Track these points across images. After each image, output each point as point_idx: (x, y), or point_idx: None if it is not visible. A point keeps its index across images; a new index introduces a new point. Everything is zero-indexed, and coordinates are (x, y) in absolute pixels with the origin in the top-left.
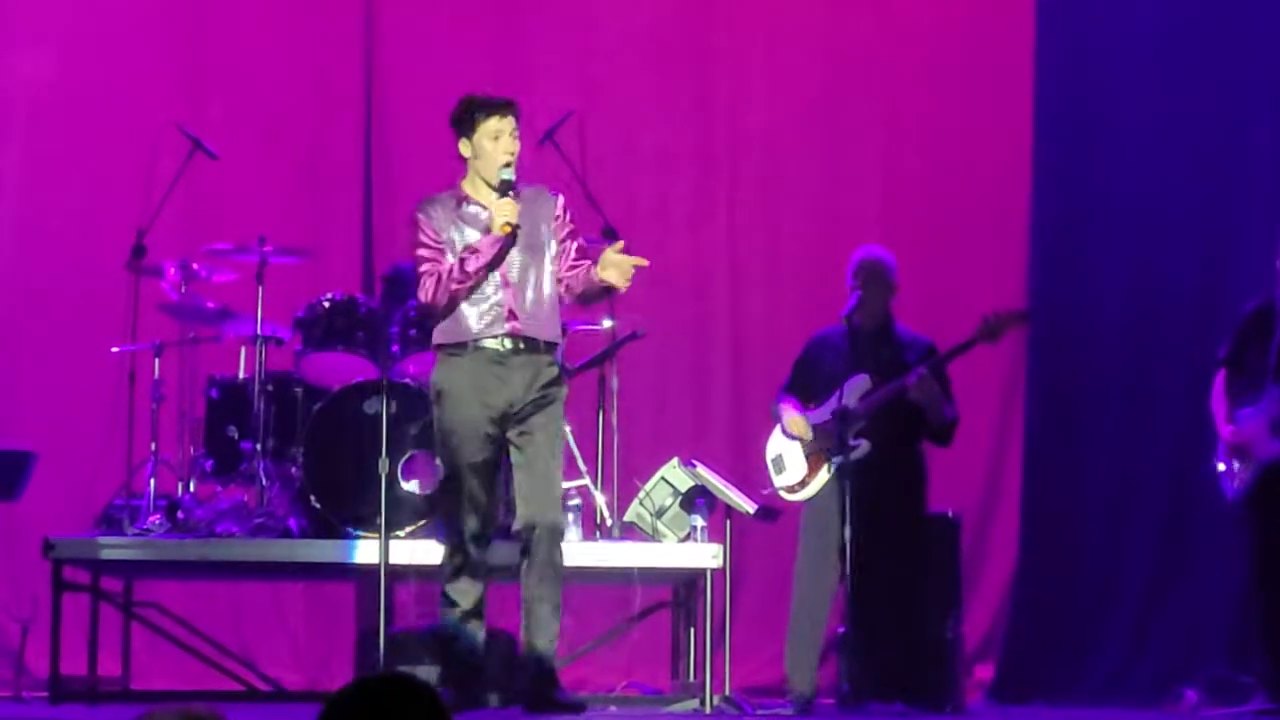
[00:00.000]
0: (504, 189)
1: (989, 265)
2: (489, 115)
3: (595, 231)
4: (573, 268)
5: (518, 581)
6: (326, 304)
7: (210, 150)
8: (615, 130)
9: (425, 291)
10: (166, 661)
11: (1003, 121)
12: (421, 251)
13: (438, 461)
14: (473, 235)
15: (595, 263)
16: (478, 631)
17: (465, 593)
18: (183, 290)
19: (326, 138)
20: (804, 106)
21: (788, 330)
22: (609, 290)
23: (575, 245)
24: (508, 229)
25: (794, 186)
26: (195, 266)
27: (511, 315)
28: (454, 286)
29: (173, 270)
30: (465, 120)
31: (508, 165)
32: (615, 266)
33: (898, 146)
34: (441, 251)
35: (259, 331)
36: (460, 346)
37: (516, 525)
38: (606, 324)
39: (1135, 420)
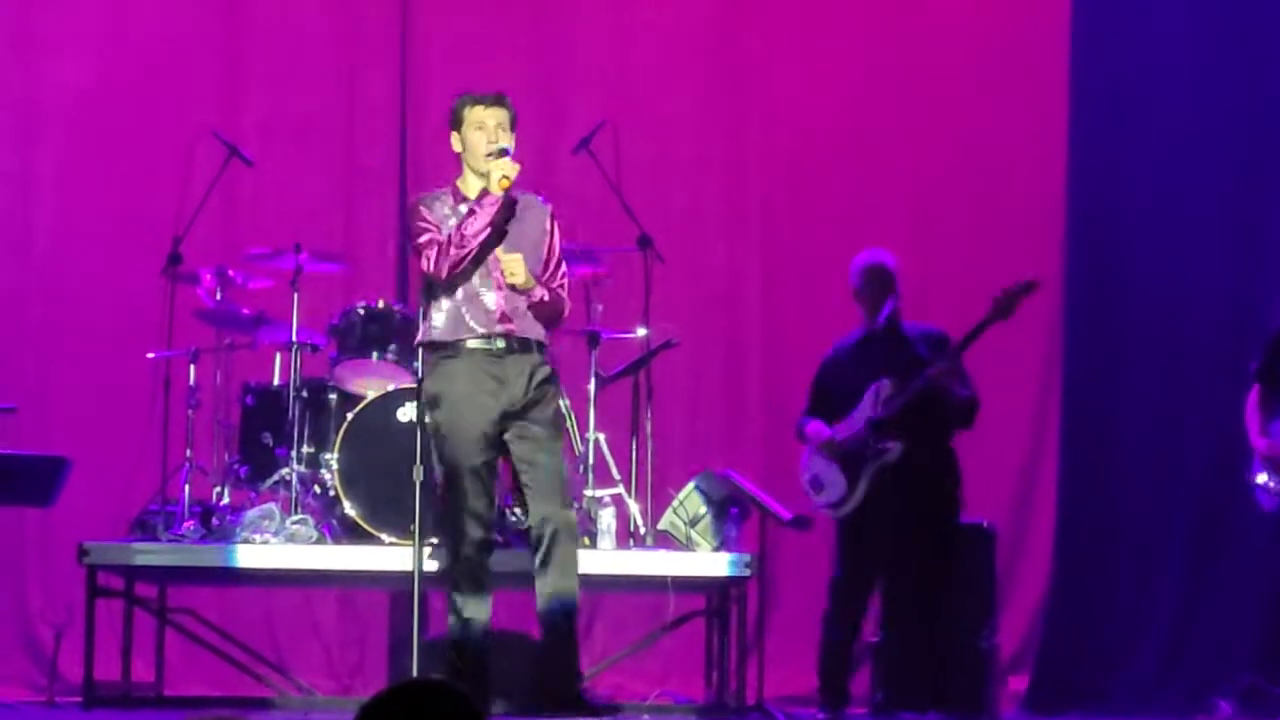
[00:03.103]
0: (498, 154)
1: (1022, 270)
2: (474, 106)
3: (631, 240)
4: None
5: (531, 587)
6: (361, 311)
7: (246, 157)
8: (649, 139)
9: (428, 261)
10: (200, 667)
11: (1036, 130)
12: (420, 227)
13: (435, 468)
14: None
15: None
16: (483, 640)
17: (470, 602)
18: (218, 297)
19: (362, 145)
20: (837, 115)
21: (820, 339)
22: (545, 308)
23: (557, 264)
24: (506, 183)
25: (827, 196)
26: (231, 273)
27: (504, 317)
28: (455, 252)
29: (208, 277)
30: (454, 114)
31: (498, 146)
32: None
33: (931, 155)
34: (438, 226)
35: (294, 338)
36: (454, 348)
37: (528, 523)
38: (640, 333)
39: (1169, 432)
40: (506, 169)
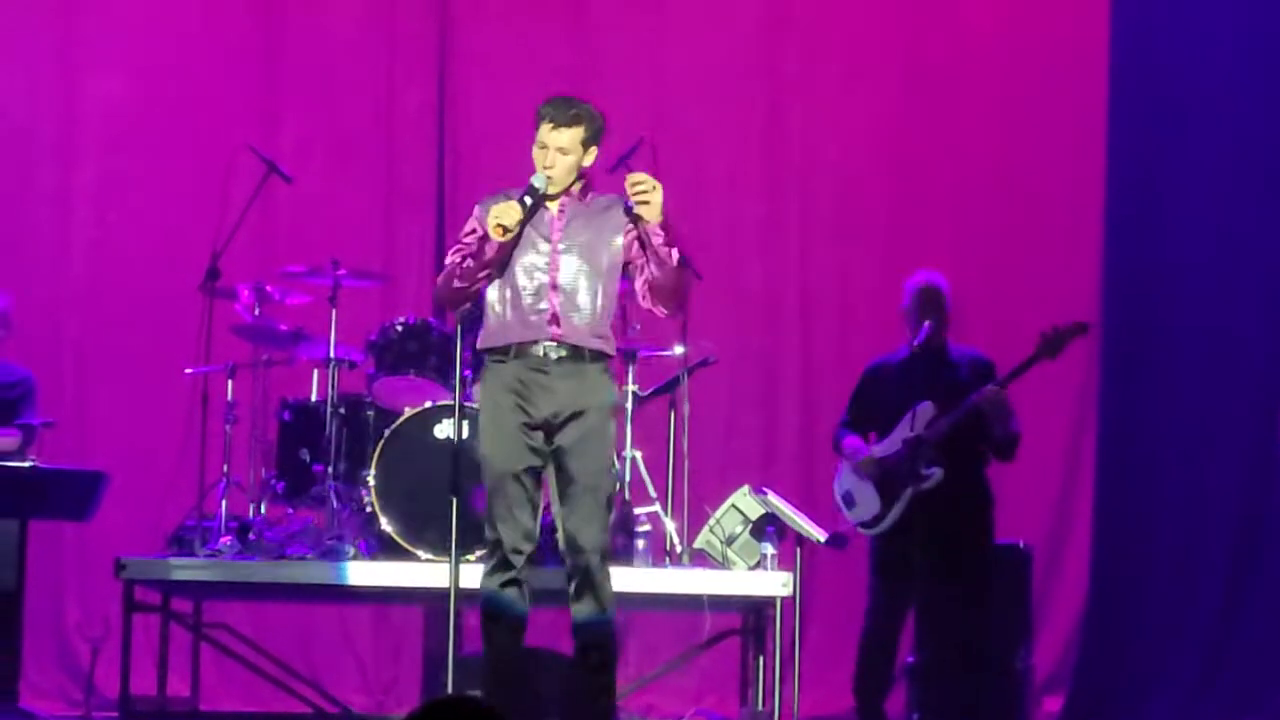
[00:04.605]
0: (525, 191)
1: (1060, 293)
2: (541, 122)
3: None
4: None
5: (565, 605)
6: (399, 328)
7: (285, 173)
8: (687, 157)
9: (437, 280)
10: (235, 683)
11: (1075, 149)
12: (460, 238)
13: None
14: (532, 232)
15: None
16: (518, 652)
17: (511, 605)
18: (256, 312)
19: (400, 162)
20: (875, 133)
21: (858, 358)
22: (677, 273)
23: (657, 245)
24: (500, 232)
25: (865, 214)
26: (269, 289)
27: (555, 321)
28: (456, 284)
29: (246, 293)
30: (536, 119)
31: (547, 171)
32: (632, 192)
33: (969, 173)
34: (470, 236)
35: (331, 354)
36: (503, 352)
37: (560, 544)
38: (677, 350)
39: (1205, 451)
40: (505, 218)
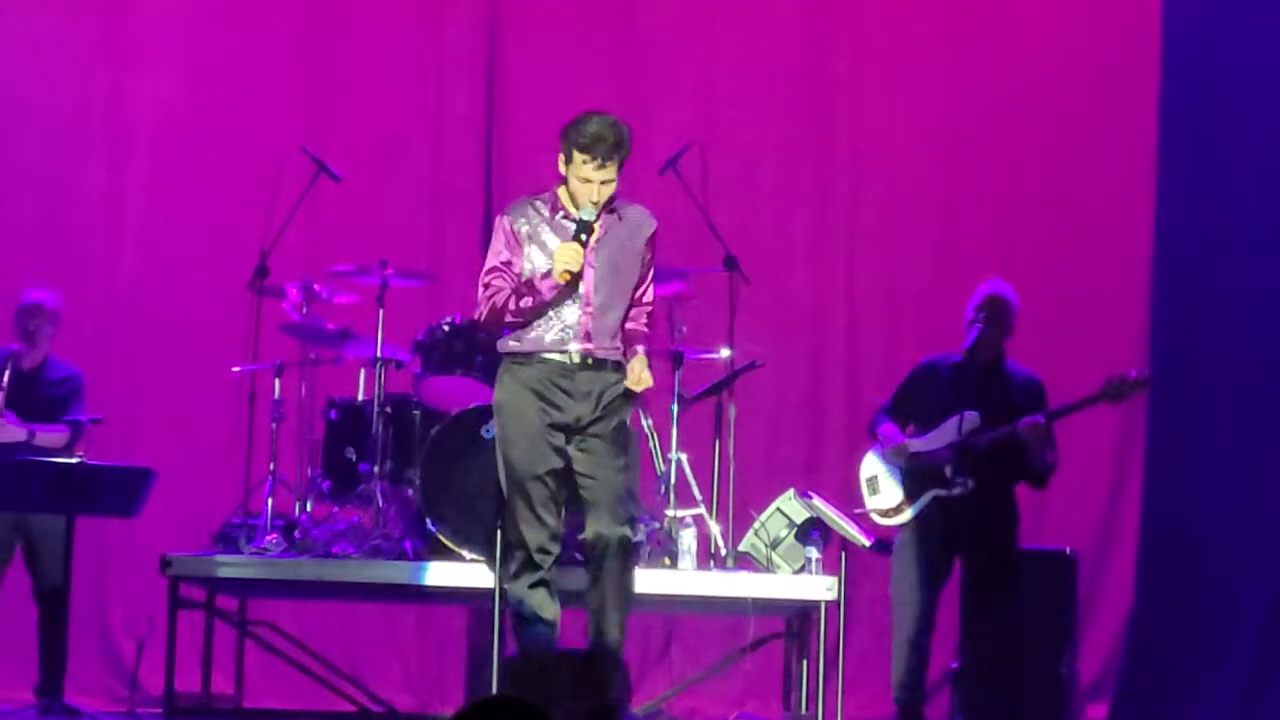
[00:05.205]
0: (579, 229)
1: (1110, 298)
2: (583, 155)
3: (717, 261)
4: (635, 306)
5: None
6: (446, 328)
7: (334, 172)
8: (735, 161)
9: (479, 312)
10: (279, 681)
11: (1125, 157)
12: (489, 264)
13: (500, 476)
14: (557, 244)
15: (638, 340)
16: (550, 645)
17: (540, 605)
18: (304, 311)
19: (448, 162)
20: (924, 139)
21: (904, 363)
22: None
23: (648, 283)
24: (566, 277)
25: (913, 219)
26: (317, 288)
27: (586, 336)
28: (506, 319)
29: (294, 291)
30: (565, 144)
31: (594, 205)
32: (632, 375)
33: (1018, 181)
34: (508, 266)
35: (379, 354)
36: (527, 357)
37: (583, 537)
38: (724, 353)
39: (1254, 456)
40: (570, 262)
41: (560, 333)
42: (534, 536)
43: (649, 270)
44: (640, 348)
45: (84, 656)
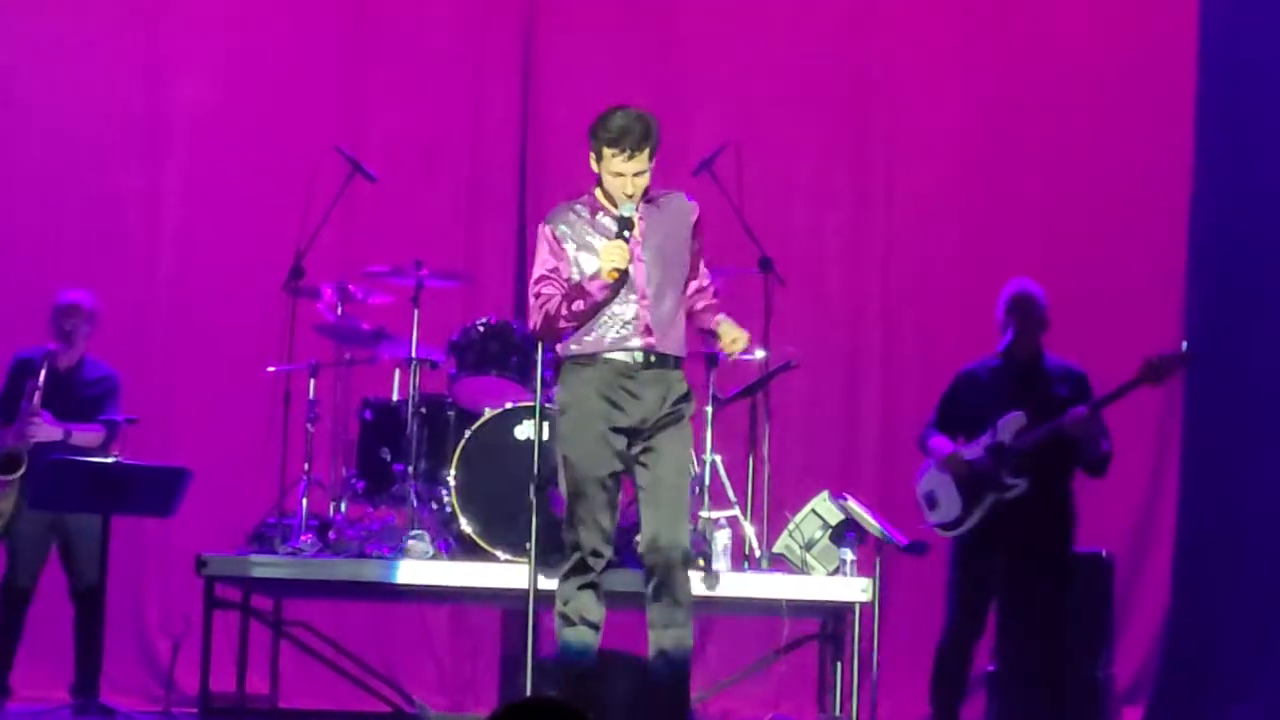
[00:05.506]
0: (620, 226)
1: (1146, 297)
2: (612, 150)
3: (752, 262)
4: (697, 292)
5: (640, 607)
6: (481, 328)
7: (369, 173)
8: (771, 162)
9: (533, 321)
10: (313, 681)
11: (1162, 154)
12: (537, 274)
13: (560, 477)
14: (602, 244)
15: (714, 312)
16: (592, 647)
17: (587, 607)
18: (339, 312)
19: (483, 163)
20: (960, 141)
21: (940, 365)
22: (713, 334)
23: (702, 266)
24: (615, 275)
25: (949, 221)
26: (352, 289)
27: (646, 331)
28: (561, 325)
29: (329, 292)
30: (594, 142)
31: (630, 200)
32: (727, 339)
33: (1055, 181)
34: (556, 273)
35: (414, 354)
36: (589, 359)
37: (641, 548)
38: (759, 354)
39: None
40: (617, 259)
41: (620, 330)
42: (589, 539)
43: (700, 254)
44: (720, 315)
45: (120, 656)
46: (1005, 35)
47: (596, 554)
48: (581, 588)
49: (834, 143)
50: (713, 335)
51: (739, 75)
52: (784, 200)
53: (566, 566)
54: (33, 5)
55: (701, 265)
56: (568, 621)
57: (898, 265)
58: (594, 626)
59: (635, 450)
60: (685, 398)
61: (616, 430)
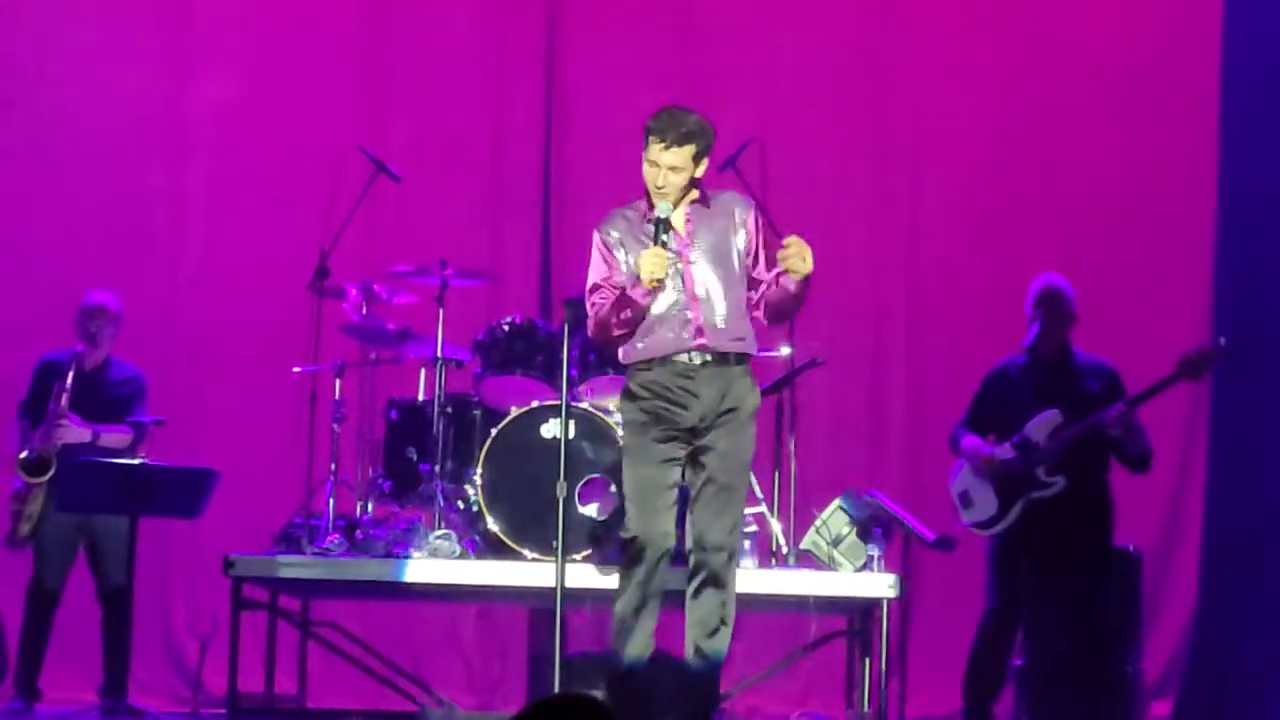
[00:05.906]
0: (657, 230)
1: (1172, 295)
2: (650, 139)
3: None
4: (768, 283)
5: (680, 607)
6: (506, 327)
7: (393, 172)
8: (794, 159)
9: (589, 328)
10: (341, 680)
11: (1186, 149)
12: (590, 282)
13: (624, 481)
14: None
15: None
16: (645, 651)
17: (639, 614)
18: (364, 312)
19: (507, 162)
20: (984, 138)
21: (965, 361)
22: (796, 298)
23: (762, 259)
24: (654, 284)
25: (973, 217)
26: (376, 288)
27: (699, 332)
28: (614, 333)
29: (354, 292)
30: (644, 136)
31: (662, 196)
32: (790, 250)
33: (1078, 176)
34: (607, 280)
35: (439, 354)
36: (647, 363)
37: (688, 545)
38: (785, 351)
39: None
40: (654, 269)
41: (675, 333)
42: (653, 538)
43: (763, 248)
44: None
45: (147, 657)
46: (1030, 34)
47: (662, 553)
48: (643, 589)
49: (857, 140)
50: (792, 292)
51: (763, 73)
52: (807, 197)
53: (624, 564)
54: (59, 8)
55: (761, 257)
56: (623, 625)
57: (922, 261)
58: (646, 633)
59: (693, 448)
60: (746, 394)
61: (676, 437)
